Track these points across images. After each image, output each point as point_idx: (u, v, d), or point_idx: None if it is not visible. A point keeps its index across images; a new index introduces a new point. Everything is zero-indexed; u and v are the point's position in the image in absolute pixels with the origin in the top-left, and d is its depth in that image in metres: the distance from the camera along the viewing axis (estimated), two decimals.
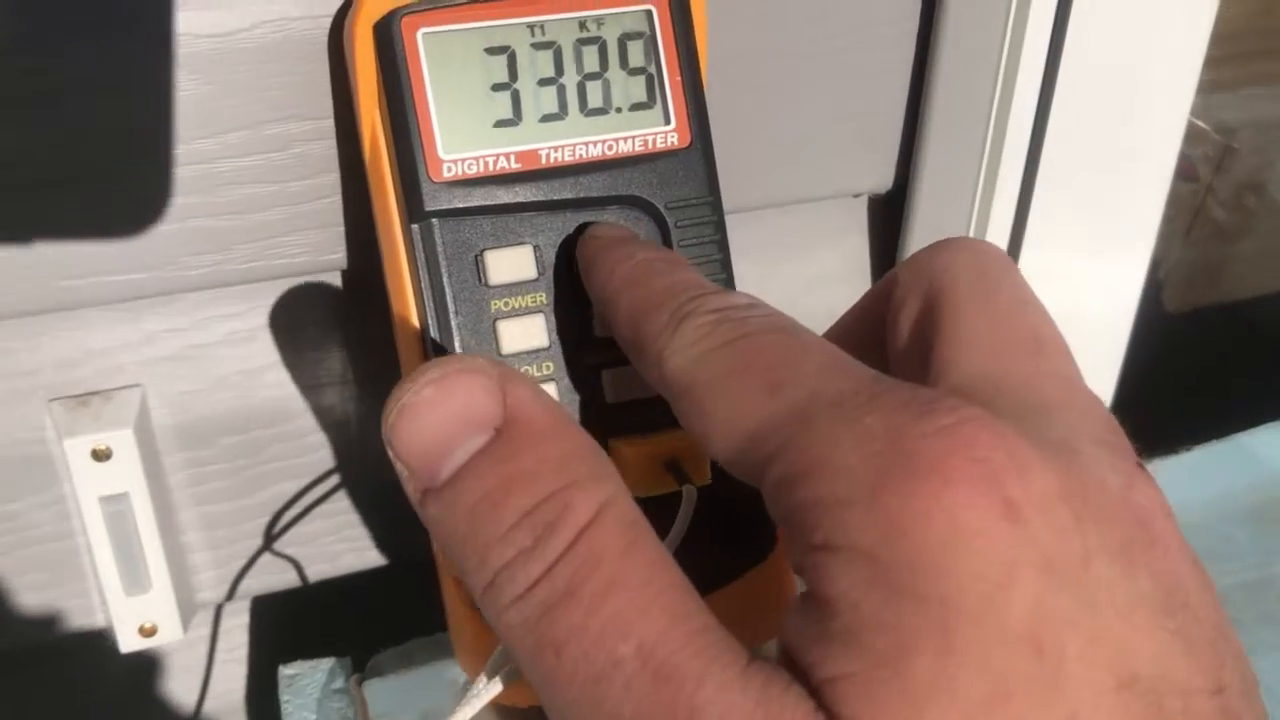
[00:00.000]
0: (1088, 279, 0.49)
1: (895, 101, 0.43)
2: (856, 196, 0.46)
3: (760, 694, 0.18)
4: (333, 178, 0.37)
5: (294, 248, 0.38)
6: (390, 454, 0.22)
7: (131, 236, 0.36)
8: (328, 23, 0.35)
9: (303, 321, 0.41)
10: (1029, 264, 0.46)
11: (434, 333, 0.32)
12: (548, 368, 0.33)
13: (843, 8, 0.40)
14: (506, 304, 0.32)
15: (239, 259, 0.37)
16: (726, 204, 0.43)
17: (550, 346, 0.33)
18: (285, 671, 0.39)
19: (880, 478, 0.18)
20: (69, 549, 0.41)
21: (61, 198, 0.35)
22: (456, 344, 0.32)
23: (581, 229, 0.32)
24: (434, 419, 0.21)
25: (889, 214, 0.46)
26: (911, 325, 0.25)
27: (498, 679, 0.26)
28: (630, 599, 0.19)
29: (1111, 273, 0.49)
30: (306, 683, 0.38)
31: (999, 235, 0.46)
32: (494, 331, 0.32)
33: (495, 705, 0.36)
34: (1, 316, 0.36)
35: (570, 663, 0.19)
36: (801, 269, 0.47)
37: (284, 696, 0.38)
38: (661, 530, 0.27)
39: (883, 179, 0.44)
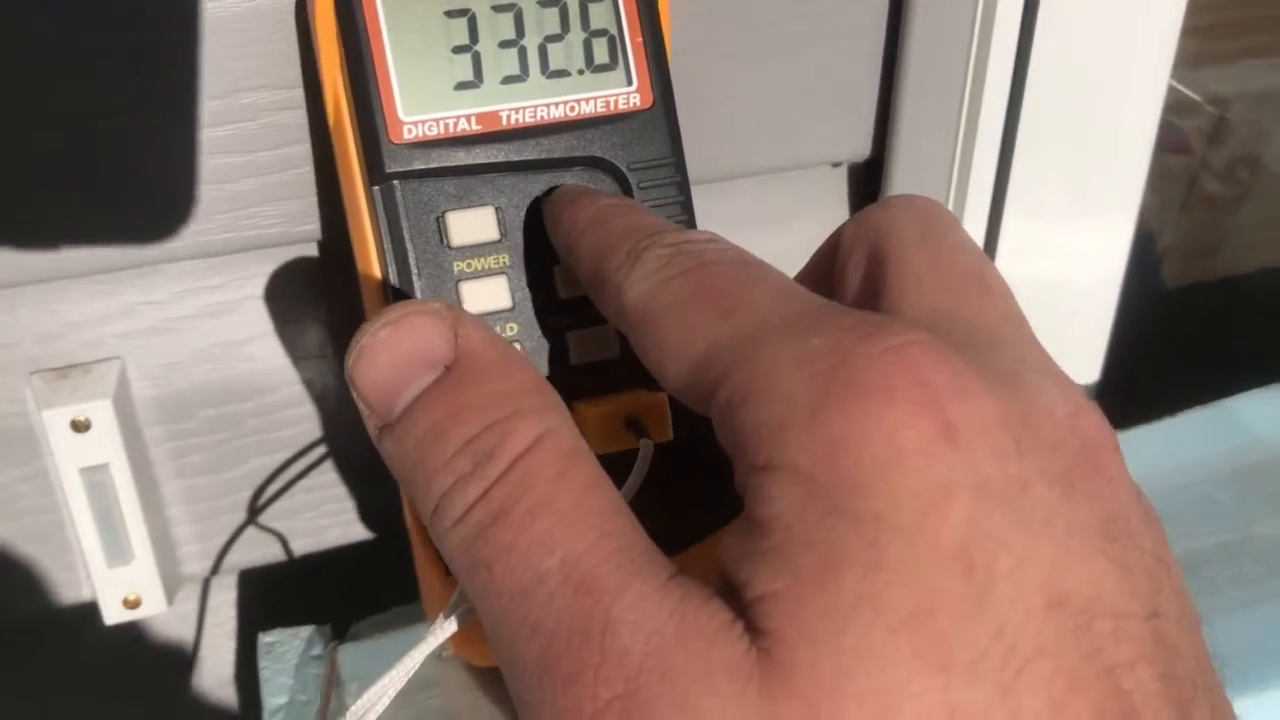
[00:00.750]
0: (1071, 248, 0.48)
1: (870, 68, 0.42)
2: (835, 166, 0.46)
3: (677, 605, 0.19)
4: (304, 148, 0.37)
5: (267, 219, 0.38)
6: (353, 394, 0.23)
7: (108, 208, 0.37)
8: None
9: (281, 294, 0.41)
10: (1011, 234, 0.46)
11: (397, 294, 0.32)
12: (511, 329, 0.33)
13: None
14: (469, 265, 0.32)
15: (214, 229, 0.38)
16: (704, 173, 0.43)
17: (514, 308, 0.33)
18: (264, 639, 0.39)
19: (822, 397, 0.19)
20: (54, 521, 0.42)
21: (38, 171, 0.35)
22: None
23: (546, 191, 0.33)
24: (389, 358, 0.22)
25: (868, 183, 0.46)
26: (859, 277, 0.25)
27: (454, 618, 0.26)
28: (558, 518, 0.20)
29: (1095, 242, 0.49)
30: (285, 650, 0.39)
31: (979, 204, 0.46)
32: (457, 293, 0.32)
33: (472, 672, 0.36)
34: None
35: (500, 577, 0.20)
36: (781, 239, 0.47)
37: (262, 663, 0.38)
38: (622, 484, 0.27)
39: (860, 147, 0.44)
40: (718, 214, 0.45)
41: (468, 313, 0.24)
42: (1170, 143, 0.63)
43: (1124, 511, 0.19)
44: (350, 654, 0.37)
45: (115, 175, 0.36)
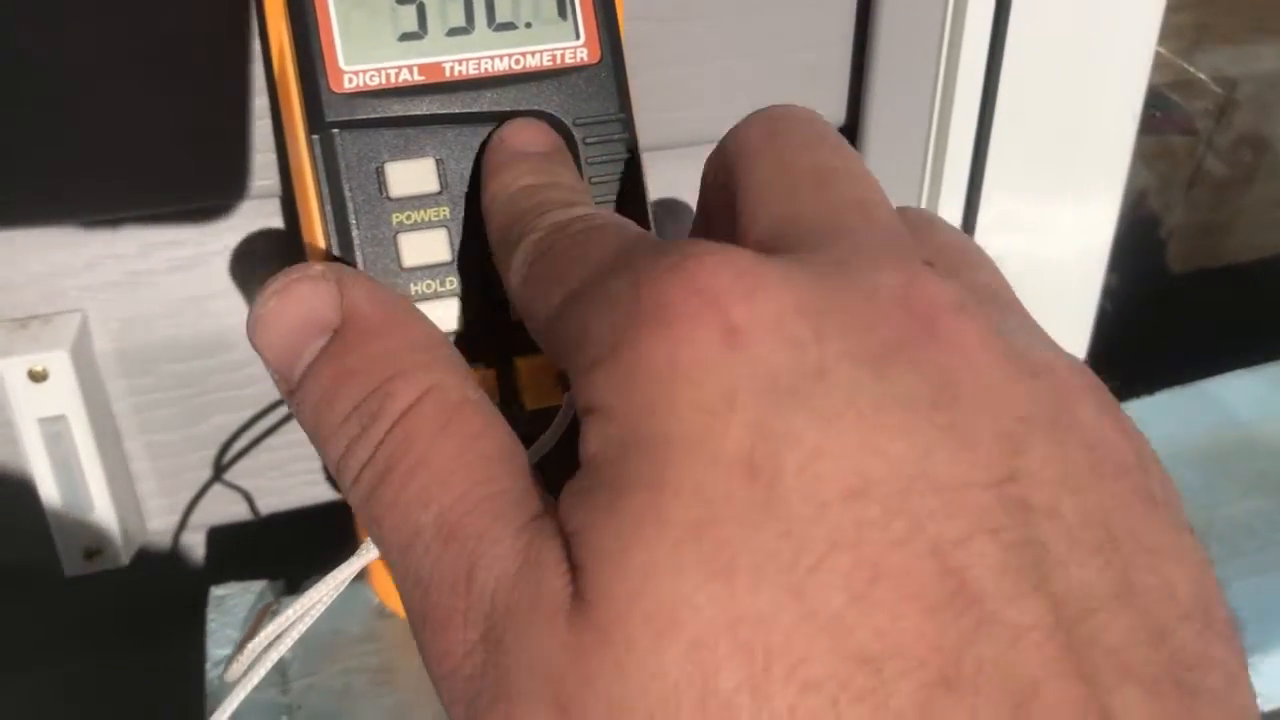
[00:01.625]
0: (1054, 224, 0.47)
1: (842, 31, 0.42)
2: None
3: (525, 546, 0.19)
4: (261, 101, 0.37)
5: (227, 173, 0.38)
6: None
7: (69, 160, 0.37)
8: None
9: (244, 251, 0.41)
10: (991, 207, 0.46)
11: (335, 245, 0.32)
12: (450, 283, 0.33)
13: None
14: (408, 217, 0.32)
15: (175, 184, 0.38)
16: (674, 137, 0.43)
17: (453, 261, 0.33)
18: (215, 592, 0.39)
19: (617, 333, 0.19)
20: (15, 472, 0.42)
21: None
22: (358, 257, 0.32)
23: (484, 141, 0.32)
24: (280, 328, 0.23)
25: None
26: (720, 205, 0.25)
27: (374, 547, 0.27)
28: (434, 473, 0.21)
29: (1079, 218, 0.48)
30: (235, 603, 0.39)
31: (957, 175, 0.45)
32: (395, 244, 0.32)
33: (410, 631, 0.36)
34: None
35: (389, 534, 0.21)
36: None
37: (210, 615, 0.38)
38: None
39: (834, 114, 0.44)
40: (690, 180, 0.45)
41: (353, 271, 0.24)
42: (1175, 123, 0.62)
43: (968, 375, 0.18)
44: (289, 605, 0.37)
45: (77, 126, 0.36)
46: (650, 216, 0.34)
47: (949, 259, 0.24)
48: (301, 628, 0.27)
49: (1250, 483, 0.40)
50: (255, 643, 0.27)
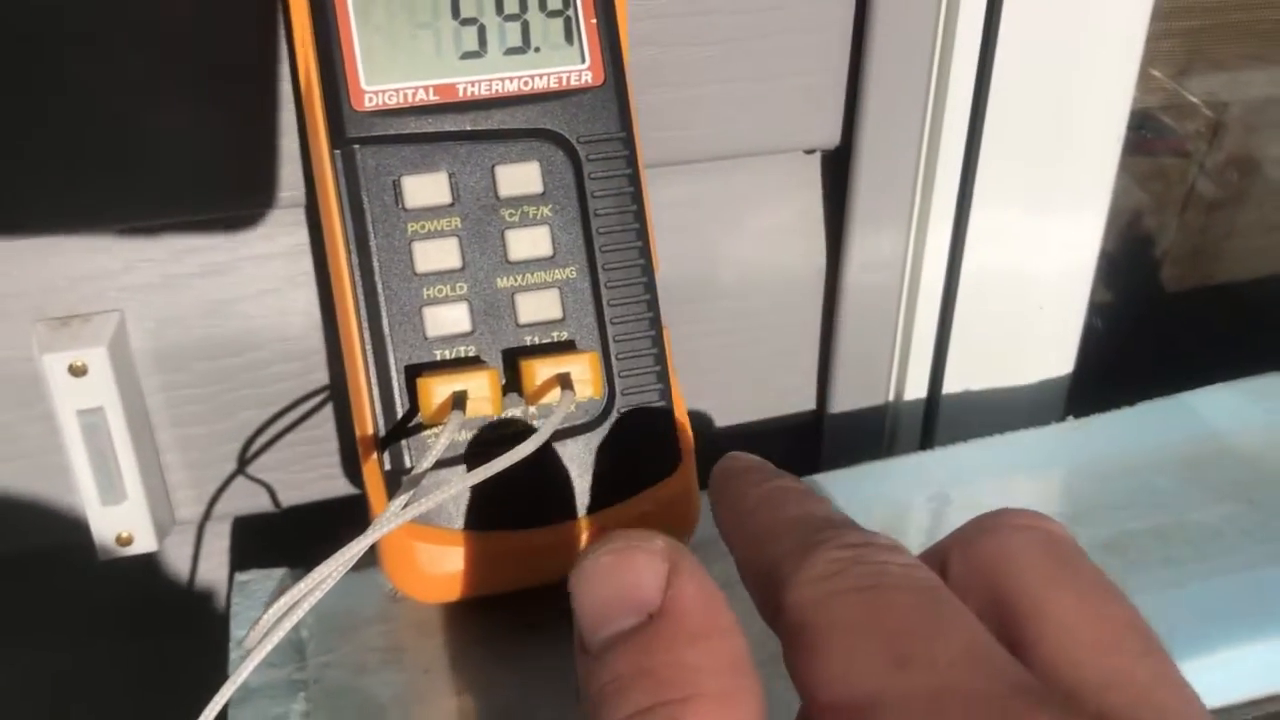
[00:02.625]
0: (1040, 240, 0.50)
1: (837, 57, 0.44)
2: (809, 152, 0.48)
3: None
4: (288, 117, 0.40)
5: (257, 184, 0.41)
6: None
7: (111, 170, 0.40)
8: None
9: (272, 255, 0.44)
10: (979, 223, 0.48)
11: (354, 252, 0.34)
12: (460, 289, 0.35)
13: None
14: (422, 226, 0.35)
15: (207, 194, 0.40)
16: (676, 154, 0.45)
17: (464, 268, 0.35)
18: (240, 578, 0.41)
19: None
20: (57, 463, 0.45)
21: (42, 136, 0.38)
22: (375, 263, 0.34)
23: (494, 157, 0.35)
24: (600, 589, 0.22)
25: (840, 170, 0.48)
26: (981, 603, 0.23)
27: (406, 510, 0.29)
28: None
29: (1065, 232, 0.50)
30: (258, 588, 0.41)
31: (947, 191, 0.47)
32: (409, 251, 0.35)
33: (420, 611, 0.38)
34: None
35: None
36: (757, 222, 0.49)
37: (234, 600, 0.40)
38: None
39: (830, 135, 0.46)
40: (697, 195, 0.48)
41: (689, 557, 0.22)
42: (1167, 145, 0.64)
43: None
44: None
45: (118, 137, 0.39)
46: (651, 231, 0.36)
47: (1126, 641, 0.22)
48: (313, 599, 0.30)
49: (1222, 490, 0.42)
50: (271, 612, 0.29)
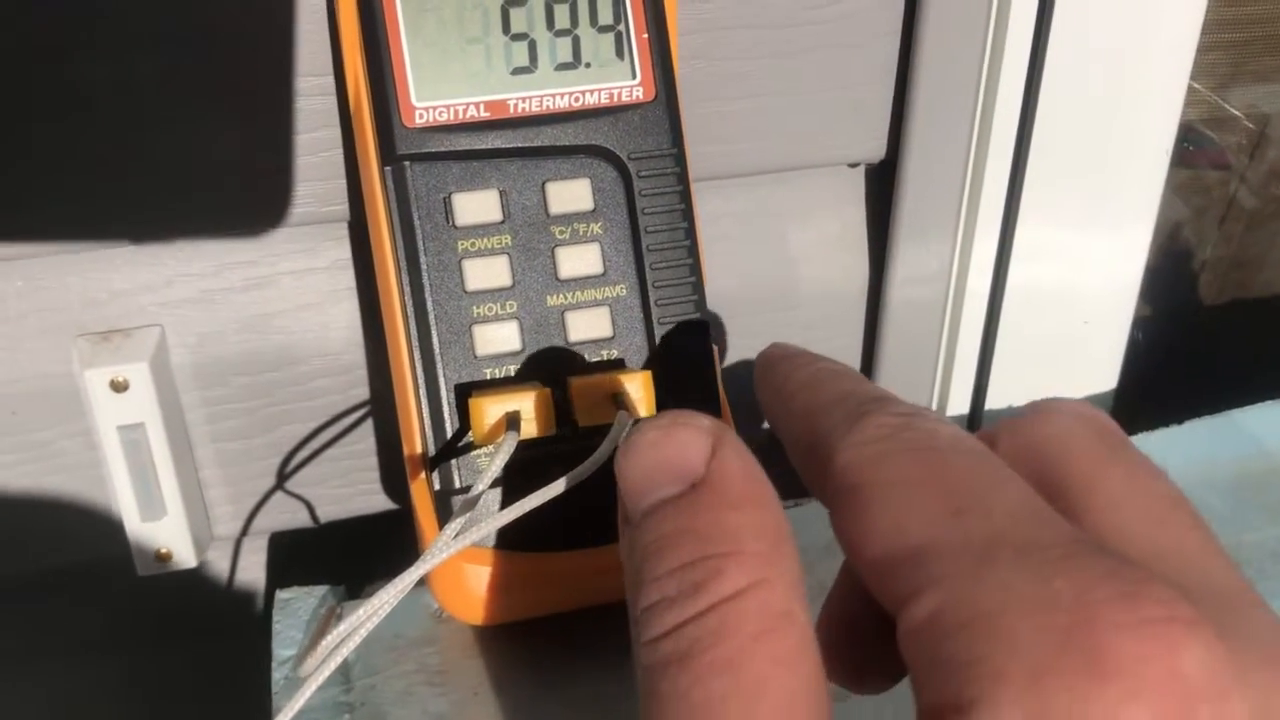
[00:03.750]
0: (1086, 255, 0.49)
1: (884, 72, 0.44)
2: (853, 166, 0.48)
3: None
4: (333, 132, 0.39)
5: (299, 198, 0.40)
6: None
7: (152, 185, 0.39)
8: None
9: (313, 270, 0.44)
10: (1025, 239, 0.47)
11: (404, 269, 0.34)
12: (510, 307, 0.35)
13: None
14: (472, 244, 0.34)
15: (248, 208, 0.40)
16: (722, 168, 0.45)
17: (514, 286, 0.35)
18: (281, 595, 0.41)
19: (1054, 659, 0.16)
20: (96, 477, 0.44)
21: (85, 150, 0.38)
22: (425, 281, 0.34)
23: (545, 173, 0.35)
24: (646, 461, 0.23)
25: (885, 184, 0.47)
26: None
27: (441, 553, 0.28)
28: (736, 687, 0.19)
29: (1111, 250, 0.49)
30: (299, 606, 0.41)
31: (993, 207, 0.46)
32: (459, 269, 0.34)
33: (468, 633, 0.38)
34: (33, 255, 0.40)
35: (664, 715, 0.20)
36: (800, 234, 0.48)
37: (276, 617, 0.40)
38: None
39: (875, 149, 0.46)
40: (741, 208, 0.47)
41: (735, 435, 0.23)
42: (1208, 157, 0.63)
43: None
44: (354, 609, 0.39)
45: (157, 154, 0.39)
46: (700, 245, 0.36)
47: (1175, 516, 0.22)
48: (368, 628, 0.29)
49: (1277, 510, 0.42)
50: (327, 641, 0.29)
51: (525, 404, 0.32)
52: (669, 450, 0.22)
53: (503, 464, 0.31)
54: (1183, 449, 0.45)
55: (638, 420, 0.23)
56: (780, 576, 0.21)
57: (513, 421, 0.32)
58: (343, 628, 0.28)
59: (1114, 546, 0.20)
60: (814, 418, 0.24)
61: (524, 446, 0.33)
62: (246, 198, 0.40)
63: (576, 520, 0.34)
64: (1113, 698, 0.16)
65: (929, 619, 0.18)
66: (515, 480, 0.33)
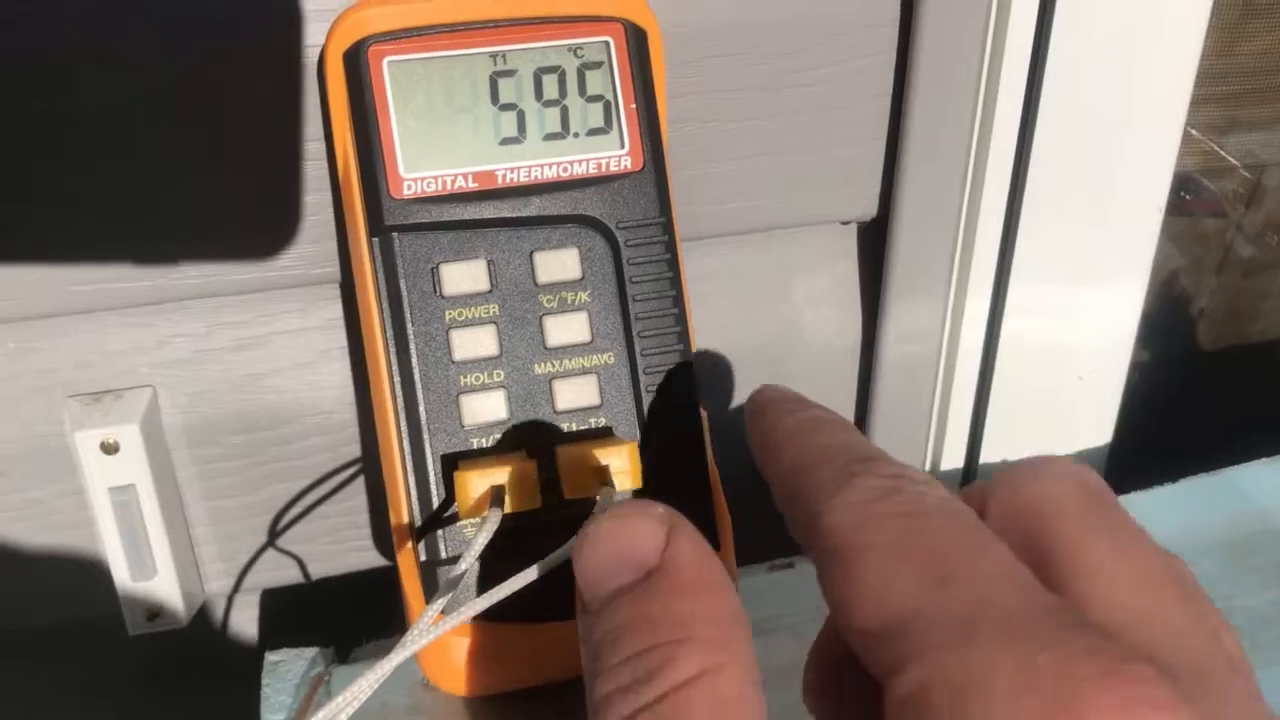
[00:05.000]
0: (1078, 312, 0.49)
1: (874, 131, 0.44)
2: (845, 224, 0.48)
3: None
4: (324, 195, 0.40)
5: (288, 260, 0.40)
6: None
7: (142, 247, 0.39)
8: (317, 52, 0.37)
9: (304, 330, 0.44)
10: (1017, 296, 0.47)
11: (392, 339, 0.34)
12: (498, 375, 0.35)
13: (814, 43, 0.41)
14: (460, 314, 0.34)
15: (241, 269, 0.40)
16: (712, 228, 0.45)
17: (501, 355, 0.35)
18: (270, 658, 0.41)
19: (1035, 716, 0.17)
20: (89, 535, 0.44)
21: (80, 211, 0.38)
22: (412, 351, 0.34)
23: (533, 243, 0.35)
24: (602, 552, 0.24)
25: (877, 240, 0.47)
26: (1019, 548, 0.23)
27: (424, 636, 0.28)
28: None
29: (1104, 306, 0.49)
30: (289, 669, 0.41)
31: (985, 266, 0.46)
32: (447, 339, 0.34)
33: (455, 703, 0.37)
34: (25, 317, 0.40)
35: None
36: (793, 291, 0.48)
37: (265, 681, 0.40)
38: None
39: (867, 207, 0.46)
40: (733, 265, 0.47)
41: (686, 523, 0.24)
42: (1204, 205, 0.63)
43: None
44: (344, 675, 0.39)
45: (149, 216, 0.39)
46: (688, 311, 0.36)
47: (1162, 586, 0.22)
48: (353, 708, 0.29)
49: (1270, 574, 0.41)
50: None
51: (511, 477, 0.32)
52: (623, 541, 0.23)
53: (486, 541, 0.30)
54: (1177, 509, 0.44)
55: (609, 503, 0.24)
56: (733, 661, 0.21)
57: (497, 497, 0.32)
58: (327, 711, 0.28)
59: (1098, 615, 0.20)
60: (801, 474, 0.24)
61: (509, 518, 0.33)
62: (240, 259, 0.40)
63: (557, 591, 0.34)
64: None
65: (914, 693, 0.18)
66: (501, 551, 0.33)
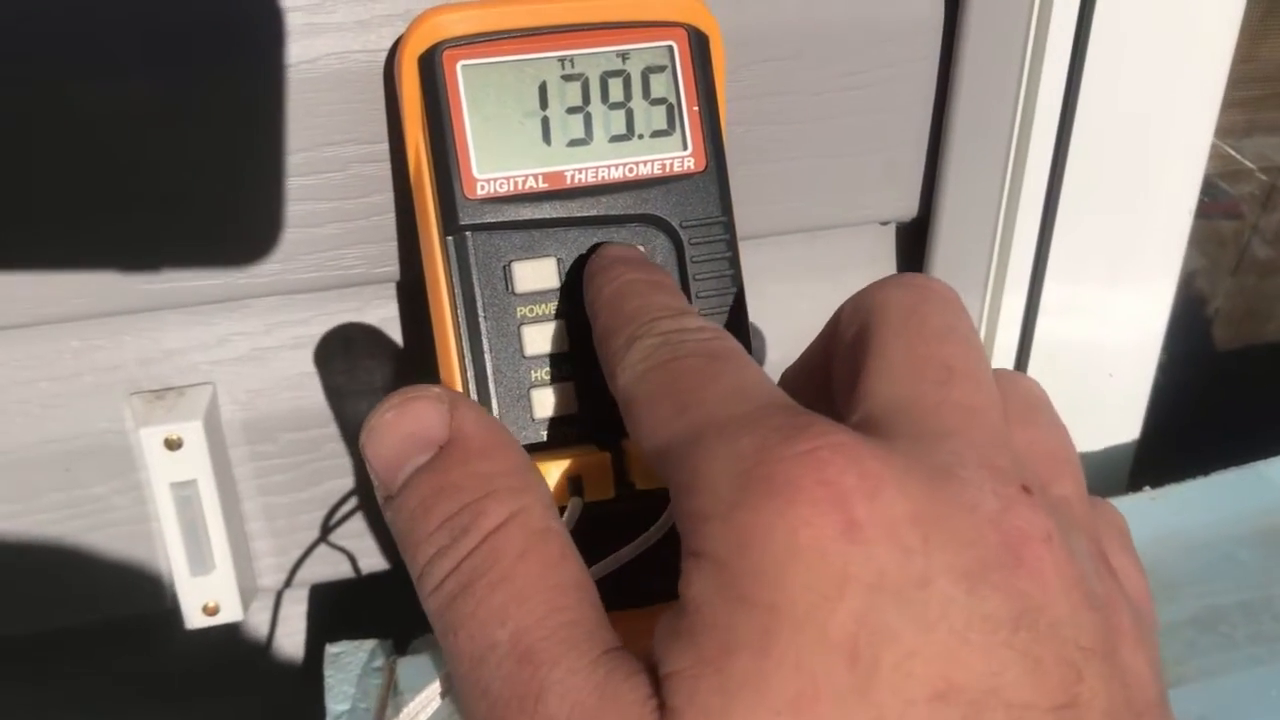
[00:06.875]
0: (1111, 311, 0.50)
1: (917, 134, 0.45)
2: (884, 224, 0.49)
3: (603, 679, 0.21)
4: (386, 196, 0.41)
5: (351, 260, 0.41)
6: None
7: (207, 247, 0.40)
8: (383, 56, 0.38)
9: (360, 328, 0.45)
10: (1051, 296, 0.48)
11: (465, 336, 0.35)
12: (568, 370, 0.36)
13: (862, 48, 0.42)
14: (531, 310, 0.35)
15: (302, 269, 0.41)
16: (759, 228, 0.46)
17: (571, 350, 0.36)
18: (331, 650, 0.42)
19: (739, 494, 0.20)
20: (145, 532, 0.45)
21: (145, 212, 0.39)
22: (485, 346, 0.35)
23: (601, 240, 0.36)
24: (391, 438, 0.25)
25: (916, 240, 0.48)
26: (847, 358, 0.26)
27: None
28: (514, 593, 0.22)
29: (1135, 306, 0.50)
30: (349, 660, 0.41)
31: (1021, 265, 0.48)
32: (519, 335, 0.35)
33: None
34: (89, 315, 0.41)
35: (462, 643, 0.22)
36: (832, 292, 0.49)
37: (328, 672, 0.41)
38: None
39: (907, 208, 0.47)
40: (774, 265, 0.48)
41: (464, 396, 0.26)
42: (1221, 208, 0.64)
43: (1045, 602, 0.20)
44: (408, 667, 0.40)
45: (215, 218, 0.40)
46: (747, 313, 0.37)
47: (1037, 463, 0.24)
48: (435, 704, 0.29)
49: None
50: (407, 712, 0.29)
51: (587, 468, 0.33)
52: (410, 424, 0.25)
53: (569, 528, 0.31)
54: (1210, 501, 0.46)
55: (378, 409, 0.26)
56: (535, 501, 0.24)
57: (576, 487, 0.33)
58: (415, 704, 0.29)
59: (867, 406, 0.23)
60: (603, 341, 0.28)
61: (587, 507, 0.34)
62: (301, 259, 0.41)
63: (630, 580, 0.35)
64: (780, 508, 0.20)
65: (673, 496, 0.23)
66: (579, 540, 0.34)
